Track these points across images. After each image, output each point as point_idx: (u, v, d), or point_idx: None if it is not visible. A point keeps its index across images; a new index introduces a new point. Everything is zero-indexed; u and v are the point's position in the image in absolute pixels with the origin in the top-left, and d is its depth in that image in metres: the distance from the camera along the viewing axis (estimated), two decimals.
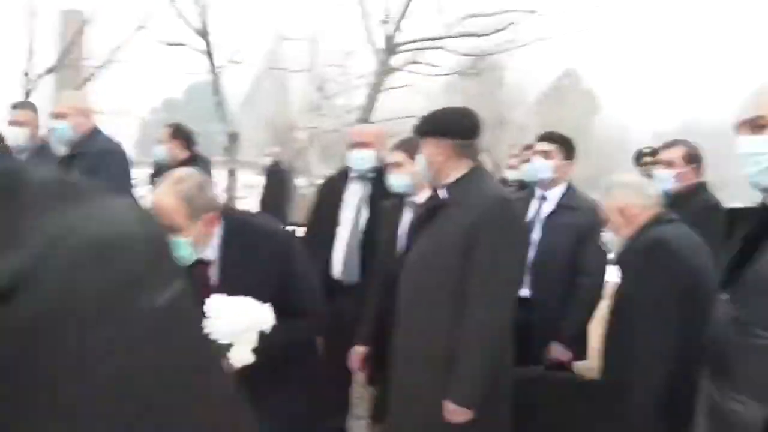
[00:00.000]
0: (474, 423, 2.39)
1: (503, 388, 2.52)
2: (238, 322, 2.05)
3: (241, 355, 2.08)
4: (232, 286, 2.16)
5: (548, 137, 3.57)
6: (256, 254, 2.25)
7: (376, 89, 4.78)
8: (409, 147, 3.07)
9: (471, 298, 2.39)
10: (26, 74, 6.86)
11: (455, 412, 2.38)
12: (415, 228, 2.72)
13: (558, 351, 3.31)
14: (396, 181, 3.17)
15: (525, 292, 3.19)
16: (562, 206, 3.42)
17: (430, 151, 2.53)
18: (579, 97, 33.21)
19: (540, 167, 3.47)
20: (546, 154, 3.45)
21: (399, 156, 3.16)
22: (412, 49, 5.15)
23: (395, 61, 4.93)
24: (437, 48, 5.36)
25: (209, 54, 4.81)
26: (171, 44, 5.45)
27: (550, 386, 3.08)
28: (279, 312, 2.12)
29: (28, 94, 6.91)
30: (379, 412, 2.98)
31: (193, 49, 5.30)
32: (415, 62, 5.49)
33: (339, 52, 6.59)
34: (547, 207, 3.45)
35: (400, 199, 3.26)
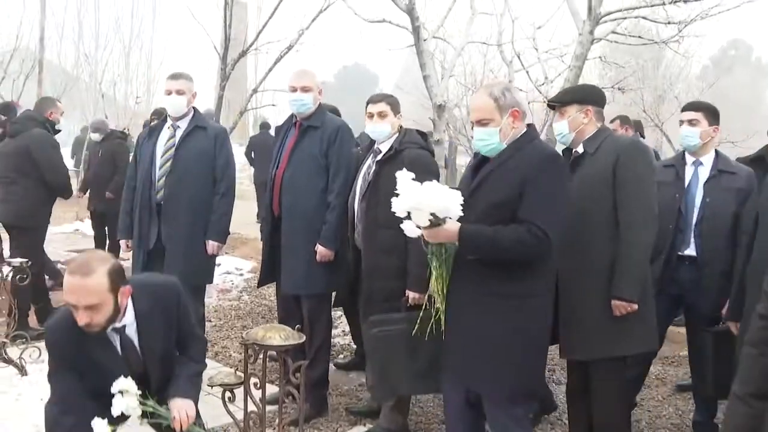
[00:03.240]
0: (633, 318, 3.16)
1: (649, 294, 3.28)
2: (416, 200, 2.67)
3: (413, 226, 2.74)
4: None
5: (692, 106, 3.97)
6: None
7: (581, 60, 4.60)
8: (392, 100, 3.90)
9: (625, 220, 3.14)
10: (223, 58, 7.20)
11: (622, 306, 3.14)
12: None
13: None
14: (378, 128, 3.82)
15: (691, 251, 3.79)
16: (721, 171, 3.81)
17: (576, 115, 3.33)
18: (747, 69, 30.85)
19: (687, 134, 3.83)
20: (691, 122, 3.84)
21: (384, 107, 3.84)
22: (615, 19, 4.92)
23: (598, 31, 4.72)
24: (639, 17, 5.08)
25: (416, 30, 4.79)
26: (373, 21, 5.50)
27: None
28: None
29: (228, 77, 7.27)
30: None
31: (395, 26, 5.32)
32: (614, 32, 5.24)
33: (530, 25, 6.46)
34: (704, 171, 3.85)
35: (371, 145, 3.96)
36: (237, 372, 3.21)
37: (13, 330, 4.74)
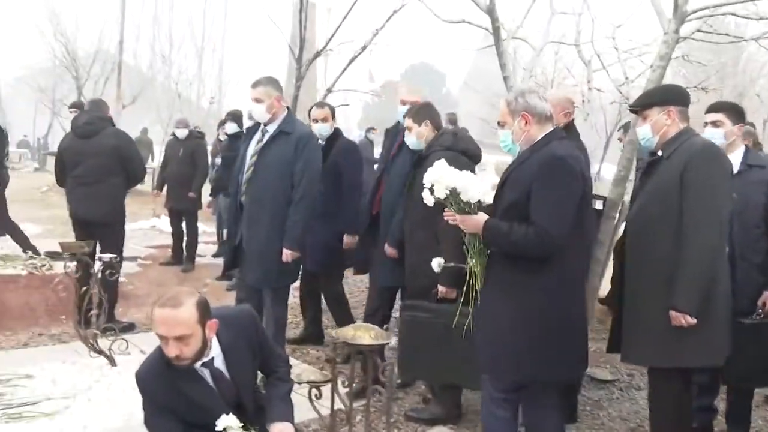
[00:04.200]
0: (693, 329, 3.01)
1: (719, 304, 3.12)
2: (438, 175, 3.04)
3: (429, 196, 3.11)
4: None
5: (714, 108, 3.92)
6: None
7: (665, 60, 4.48)
8: (413, 114, 4.34)
9: (688, 224, 3.03)
10: (298, 59, 7.31)
11: (678, 318, 3.02)
12: (642, 178, 3.47)
13: None
14: (410, 140, 4.34)
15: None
16: (751, 165, 3.84)
17: (658, 117, 3.27)
18: None
19: (712, 135, 3.75)
20: (715, 124, 3.84)
21: (411, 123, 4.32)
22: (702, 17, 4.77)
23: (684, 30, 4.59)
24: (727, 14, 4.92)
25: (496, 30, 4.75)
26: (452, 22, 5.49)
27: None
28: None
29: (302, 77, 7.38)
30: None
31: (475, 26, 5.31)
32: (699, 30, 5.10)
33: (609, 24, 6.35)
34: (733, 168, 3.72)
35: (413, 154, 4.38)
36: (322, 370, 3.28)
37: (104, 322, 4.92)
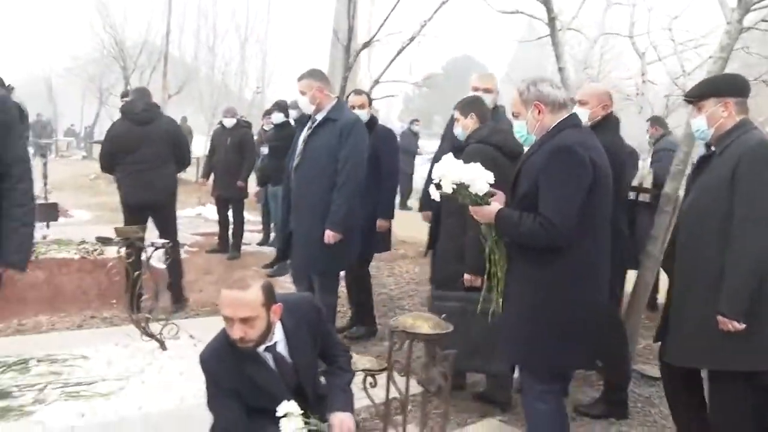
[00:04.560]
0: (742, 334, 2.93)
1: None
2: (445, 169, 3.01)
3: (435, 191, 3.11)
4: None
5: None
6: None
7: (726, 51, 4.35)
8: (460, 106, 4.42)
9: (736, 225, 2.93)
10: (347, 49, 7.30)
11: (725, 323, 2.94)
12: (694, 173, 3.37)
13: None
14: (457, 132, 4.40)
15: None
16: None
17: (714, 109, 3.16)
18: None
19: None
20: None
21: (458, 114, 4.41)
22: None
23: (747, 20, 4.45)
24: None
25: (551, 21, 4.68)
26: (506, 12, 5.43)
27: None
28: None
29: (350, 68, 7.37)
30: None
31: (529, 16, 5.23)
32: (764, 20, 4.93)
33: (665, 15, 6.20)
34: None
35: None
36: (377, 358, 3.27)
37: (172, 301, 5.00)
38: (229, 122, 8.73)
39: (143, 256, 4.95)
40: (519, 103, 3.15)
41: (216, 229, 9.05)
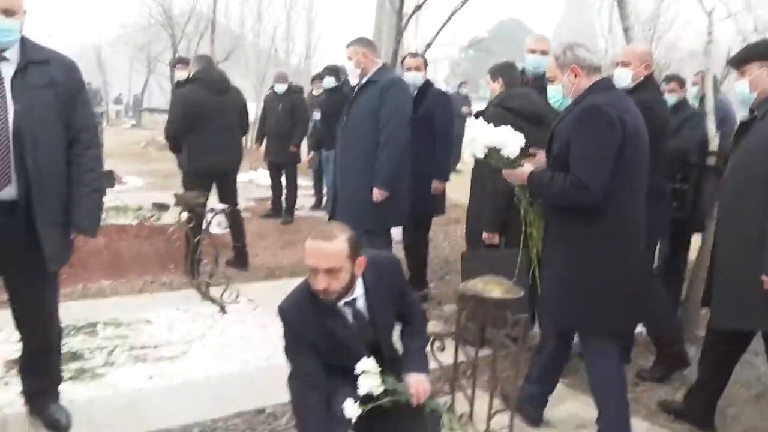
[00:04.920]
0: None
1: None
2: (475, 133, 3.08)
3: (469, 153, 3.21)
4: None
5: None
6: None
7: None
8: (491, 71, 4.58)
9: None
10: (399, 13, 7.18)
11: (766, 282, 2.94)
12: (735, 138, 3.33)
13: None
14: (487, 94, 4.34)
15: None
16: None
17: (759, 73, 3.15)
18: None
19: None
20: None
21: (489, 77, 4.58)
22: None
23: None
24: None
25: None
26: None
27: None
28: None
29: (402, 32, 7.28)
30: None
31: None
32: None
33: None
34: None
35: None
36: (445, 322, 3.23)
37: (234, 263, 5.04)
38: (281, 88, 8.70)
39: (203, 222, 5.00)
40: (555, 67, 3.20)
41: (269, 194, 9.08)
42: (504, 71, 4.53)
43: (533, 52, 4.67)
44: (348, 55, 4.76)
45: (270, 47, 22.11)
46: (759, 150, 3.07)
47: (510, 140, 3.06)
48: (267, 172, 9.26)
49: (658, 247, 5.49)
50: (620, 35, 17.63)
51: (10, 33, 2.78)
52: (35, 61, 2.86)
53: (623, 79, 4.02)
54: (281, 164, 8.67)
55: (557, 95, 3.25)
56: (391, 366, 2.72)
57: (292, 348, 2.75)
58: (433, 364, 2.95)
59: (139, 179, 11.92)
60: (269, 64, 19.61)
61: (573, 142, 2.95)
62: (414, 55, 5.62)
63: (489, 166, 3.22)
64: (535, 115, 4.16)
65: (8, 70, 2.82)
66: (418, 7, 7.66)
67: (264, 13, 22.88)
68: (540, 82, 4.37)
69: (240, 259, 6.25)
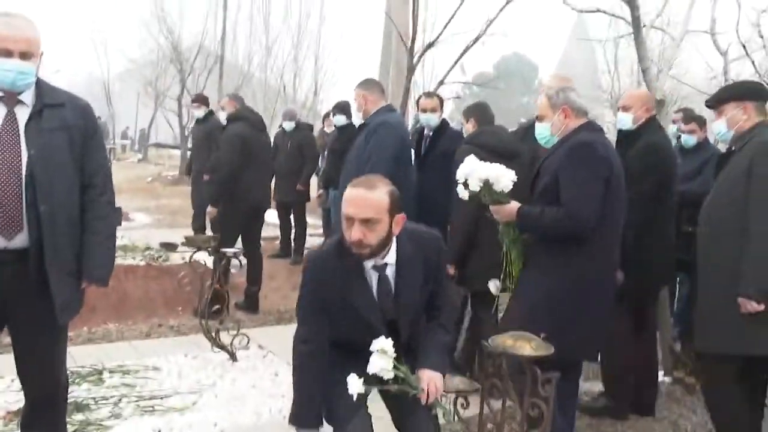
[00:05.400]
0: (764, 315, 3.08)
1: None
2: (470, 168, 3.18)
3: (463, 190, 3.24)
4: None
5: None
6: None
7: None
8: (464, 111, 4.86)
9: (751, 216, 3.11)
10: (410, 50, 7.13)
11: (744, 303, 3.11)
12: (716, 171, 3.51)
13: None
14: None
15: None
16: None
17: (734, 113, 3.36)
18: None
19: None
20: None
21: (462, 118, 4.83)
22: None
23: None
24: None
25: (635, 20, 4.44)
26: (585, 11, 5.21)
27: None
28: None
29: (414, 69, 7.22)
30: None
31: (611, 15, 5.03)
32: None
33: (752, 9, 5.88)
34: None
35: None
36: (470, 378, 3.08)
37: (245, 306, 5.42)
38: (289, 125, 8.64)
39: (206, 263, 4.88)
40: (547, 106, 3.38)
41: (277, 232, 8.97)
42: (476, 111, 4.75)
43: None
44: (354, 98, 4.91)
45: (278, 83, 22.23)
46: (736, 178, 3.24)
47: (503, 176, 3.16)
48: (275, 211, 9.16)
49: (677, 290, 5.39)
50: (624, 72, 17.79)
51: (26, 76, 2.71)
52: (50, 105, 2.78)
53: (624, 122, 4.12)
54: (290, 203, 8.58)
55: (545, 133, 3.41)
56: (407, 357, 2.57)
57: (306, 302, 2.64)
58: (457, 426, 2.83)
59: (146, 216, 11.86)
60: (277, 100, 19.66)
61: (564, 176, 3.12)
62: (429, 95, 5.53)
63: (476, 202, 3.31)
64: (508, 150, 4.24)
65: (23, 115, 2.74)
66: (430, 45, 7.61)
67: (272, 48, 23.08)
68: None
69: (251, 303, 6.14)
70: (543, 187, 3.22)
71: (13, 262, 2.71)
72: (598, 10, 5.30)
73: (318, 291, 2.61)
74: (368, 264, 2.60)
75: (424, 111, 5.26)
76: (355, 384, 2.46)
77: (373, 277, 2.64)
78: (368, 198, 2.50)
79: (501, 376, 2.82)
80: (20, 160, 2.68)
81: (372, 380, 2.48)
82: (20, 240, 2.70)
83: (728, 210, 3.25)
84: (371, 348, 2.45)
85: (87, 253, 2.86)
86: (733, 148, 3.40)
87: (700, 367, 3.65)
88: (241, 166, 6.01)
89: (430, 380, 2.54)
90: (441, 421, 2.73)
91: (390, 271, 2.65)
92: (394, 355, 2.45)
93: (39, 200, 2.69)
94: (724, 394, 3.37)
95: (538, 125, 3.47)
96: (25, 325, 2.85)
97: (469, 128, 4.70)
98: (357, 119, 4.98)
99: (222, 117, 6.49)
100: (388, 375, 2.45)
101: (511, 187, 3.18)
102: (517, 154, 4.22)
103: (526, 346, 2.66)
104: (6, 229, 2.67)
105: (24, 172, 2.68)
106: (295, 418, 2.64)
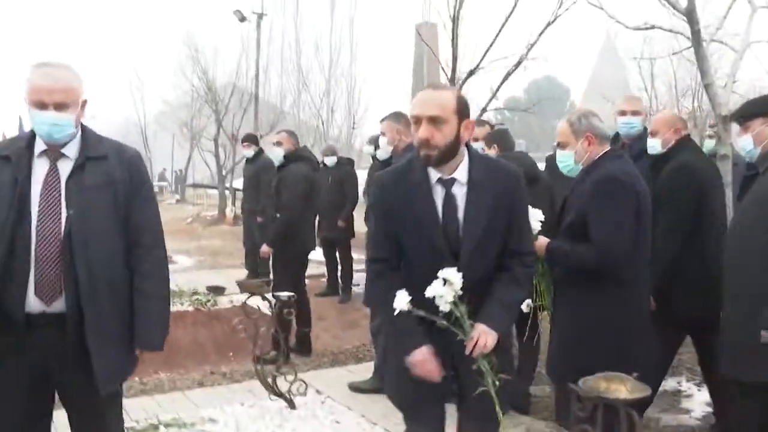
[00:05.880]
0: None
1: None
2: None
3: None
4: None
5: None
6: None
7: None
8: (486, 138, 4.82)
9: None
10: (452, 79, 7.03)
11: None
12: (740, 194, 3.42)
13: None
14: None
15: None
16: None
17: (761, 129, 3.13)
18: None
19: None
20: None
21: (484, 144, 4.75)
22: None
23: None
24: None
25: (695, 34, 4.26)
26: (639, 28, 5.05)
27: None
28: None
29: None
30: None
31: (667, 31, 4.87)
32: None
33: None
34: None
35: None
36: (558, 423, 2.87)
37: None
38: (330, 161, 8.55)
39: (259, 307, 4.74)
40: (569, 133, 3.26)
41: (322, 270, 8.82)
42: (498, 137, 4.75)
43: (623, 113, 4.54)
44: (381, 130, 4.73)
45: (313, 119, 22.34)
46: (761, 203, 3.06)
47: (531, 215, 3.01)
48: (320, 249, 9.02)
49: None
50: (662, 90, 17.44)
51: (63, 128, 2.56)
52: (93, 157, 2.63)
53: (654, 147, 4.06)
54: (334, 239, 8.43)
55: (568, 161, 3.30)
56: (466, 290, 2.40)
57: (379, 220, 2.65)
58: None
59: (188, 258, 11.82)
60: (311, 136, 19.71)
61: (593, 212, 3.05)
62: (481, 123, 5.36)
63: None
64: (528, 176, 4.04)
65: (65, 169, 2.60)
66: (472, 72, 7.51)
67: (304, 85, 23.24)
68: (638, 144, 4.32)
69: (304, 345, 5.97)
70: (569, 222, 3.18)
71: (52, 327, 2.55)
72: (654, 27, 5.11)
73: (384, 204, 2.60)
74: (434, 176, 2.51)
75: (476, 140, 5.08)
76: (401, 300, 2.39)
77: (440, 193, 2.52)
78: (435, 96, 2.47)
79: (593, 422, 2.61)
80: (60, 221, 2.54)
81: (422, 305, 2.39)
82: (59, 304, 2.55)
83: (755, 237, 3.02)
84: (439, 274, 2.37)
85: (138, 318, 2.68)
86: (758, 169, 3.20)
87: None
88: (304, 208, 5.94)
89: (481, 335, 2.40)
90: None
91: (458, 190, 2.52)
92: (460, 291, 2.35)
93: (77, 263, 2.53)
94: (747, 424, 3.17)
95: (560, 153, 3.36)
96: (71, 393, 2.70)
97: (491, 154, 4.57)
98: (384, 152, 4.80)
99: (275, 153, 6.25)
100: (444, 306, 2.36)
101: (539, 228, 3.15)
102: (536, 179, 4.34)
103: (622, 388, 2.46)
104: (45, 293, 2.53)
105: (62, 234, 2.53)
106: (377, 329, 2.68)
